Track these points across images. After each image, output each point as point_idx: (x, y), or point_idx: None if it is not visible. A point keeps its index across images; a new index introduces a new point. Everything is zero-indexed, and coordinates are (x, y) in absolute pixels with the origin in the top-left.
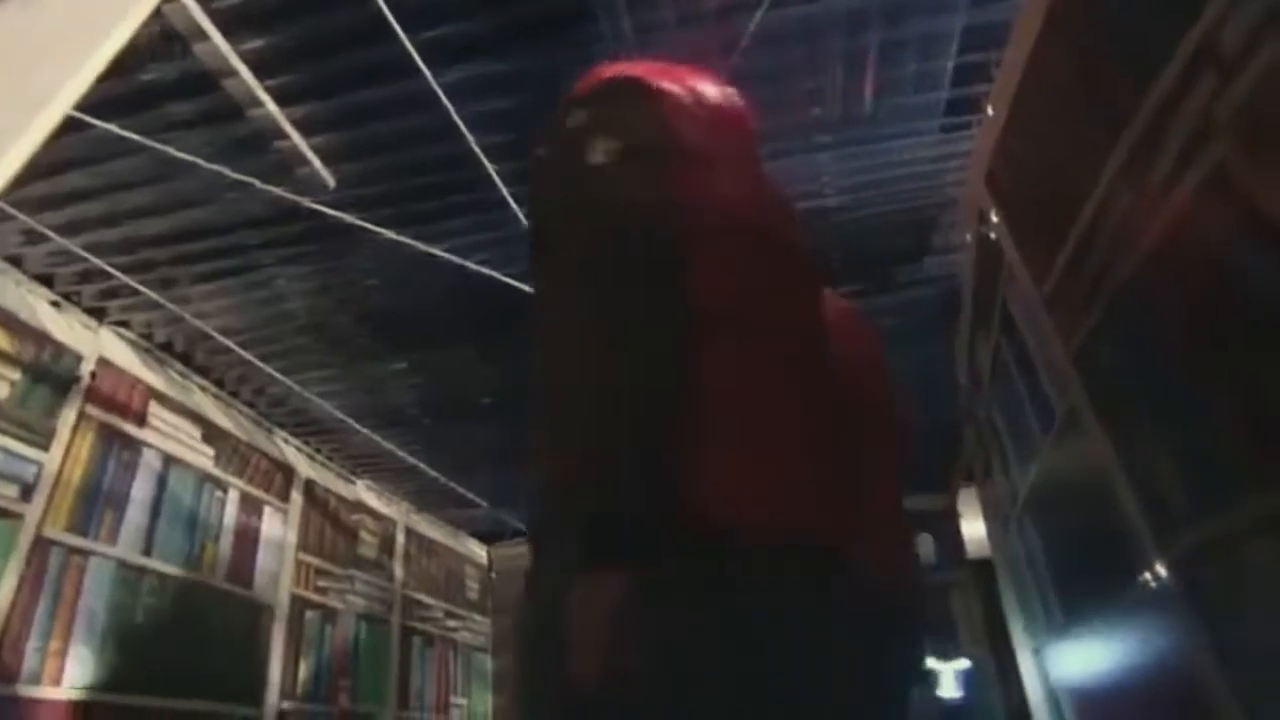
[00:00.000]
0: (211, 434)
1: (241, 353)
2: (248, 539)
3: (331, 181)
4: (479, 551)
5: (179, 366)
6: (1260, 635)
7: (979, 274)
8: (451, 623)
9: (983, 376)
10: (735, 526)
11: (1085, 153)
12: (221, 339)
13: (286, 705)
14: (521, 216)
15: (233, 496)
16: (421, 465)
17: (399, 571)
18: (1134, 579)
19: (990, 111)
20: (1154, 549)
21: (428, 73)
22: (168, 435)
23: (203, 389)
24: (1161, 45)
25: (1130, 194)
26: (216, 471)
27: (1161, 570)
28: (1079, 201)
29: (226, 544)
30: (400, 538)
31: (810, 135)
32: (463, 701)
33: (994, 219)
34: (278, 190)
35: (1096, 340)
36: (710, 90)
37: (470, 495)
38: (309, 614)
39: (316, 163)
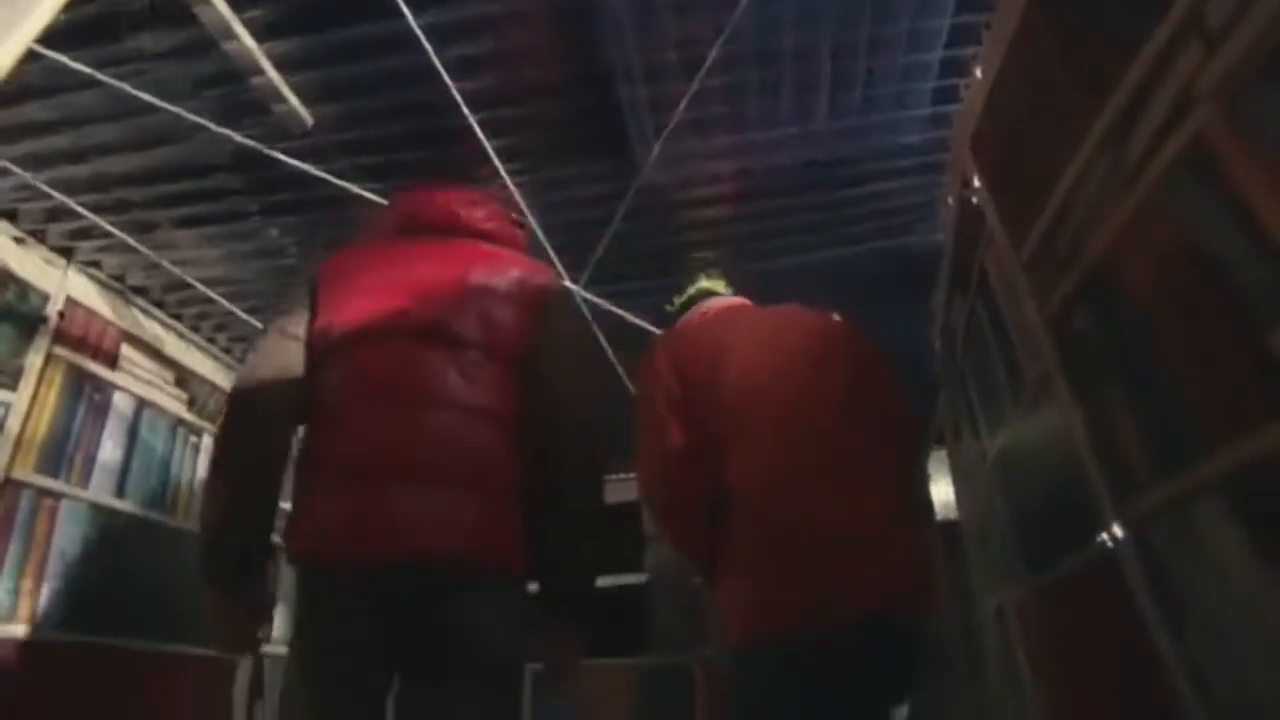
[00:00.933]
0: (185, 379)
1: (224, 303)
2: None
3: (309, 120)
4: None
5: (153, 311)
6: (1201, 592)
7: (959, 238)
8: None
9: (957, 340)
10: None
11: (1069, 119)
12: (203, 289)
13: (265, 649)
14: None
15: (207, 443)
16: None
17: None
18: (1092, 540)
19: (979, 74)
20: (1112, 511)
21: (407, 12)
22: (140, 379)
23: (178, 334)
24: (1149, 12)
25: (1110, 162)
26: (190, 417)
27: (1118, 531)
28: (1060, 168)
29: (201, 489)
30: None
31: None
32: None
33: (976, 183)
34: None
35: (1070, 307)
36: None
37: None
38: (284, 560)
39: (293, 100)
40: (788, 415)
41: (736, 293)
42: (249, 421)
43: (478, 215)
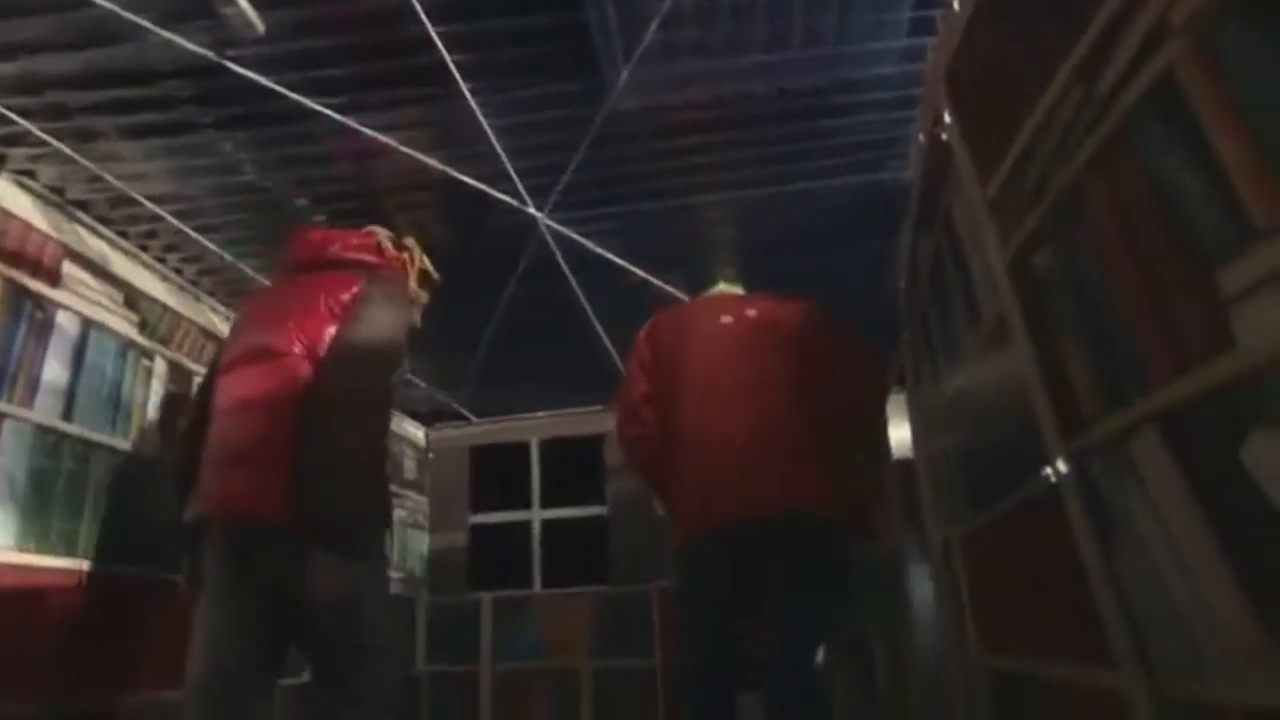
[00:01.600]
0: (135, 300)
1: (173, 221)
2: (177, 408)
3: (260, 26)
4: (417, 433)
5: (97, 227)
6: (1130, 518)
7: (927, 175)
8: None
9: (921, 280)
10: None
11: (1043, 53)
12: (150, 205)
13: None
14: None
15: (160, 366)
16: None
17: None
18: (1037, 475)
19: (956, 5)
20: (1058, 447)
21: None
22: (85, 298)
23: (125, 253)
24: None
25: (1080, 97)
26: (142, 340)
27: (1061, 465)
28: (1032, 103)
29: (154, 413)
30: None
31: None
32: (399, 575)
33: (948, 119)
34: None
35: (1032, 245)
36: None
37: (410, 377)
38: None
39: (243, 1)
40: (728, 378)
41: (750, 286)
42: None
43: (333, 249)
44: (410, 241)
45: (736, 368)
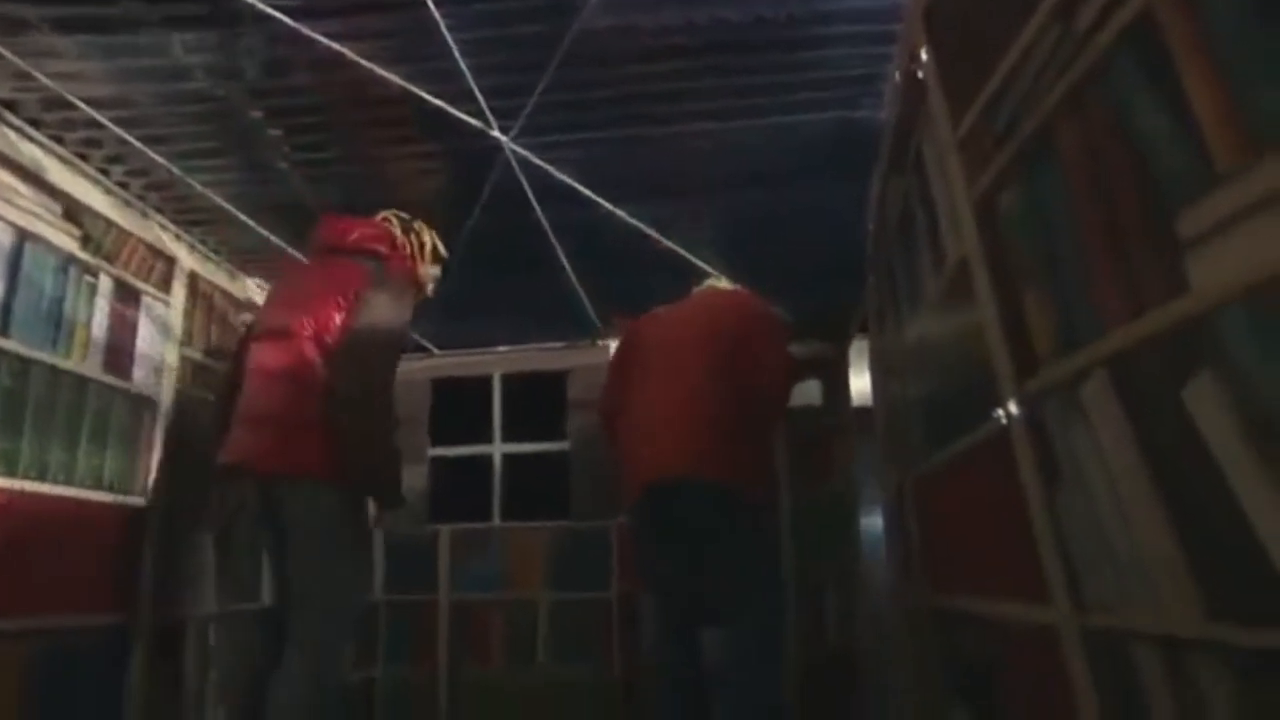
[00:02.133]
0: (75, 212)
1: (116, 130)
2: (124, 329)
3: None
4: None
5: (30, 131)
6: (1074, 459)
7: (901, 114)
8: None
9: (889, 223)
10: None
11: None
12: (89, 110)
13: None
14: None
15: (105, 283)
16: None
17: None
18: (989, 417)
19: None
20: (1010, 390)
21: None
22: (19, 208)
23: (64, 161)
24: None
25: (1057, 35)
26: (83, 255)
27: (1013, 408)
28: (1008, 43)
29: (100, 332)
30: None
31: None
32: None
33: (924, 56)
34: None
35: (999, 187)
36: None
37: None
38: (196, 412)
39: None
40: (665, 368)
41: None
42: None
43: (351, 238)
44: (419, 225)
45: (669, 355)
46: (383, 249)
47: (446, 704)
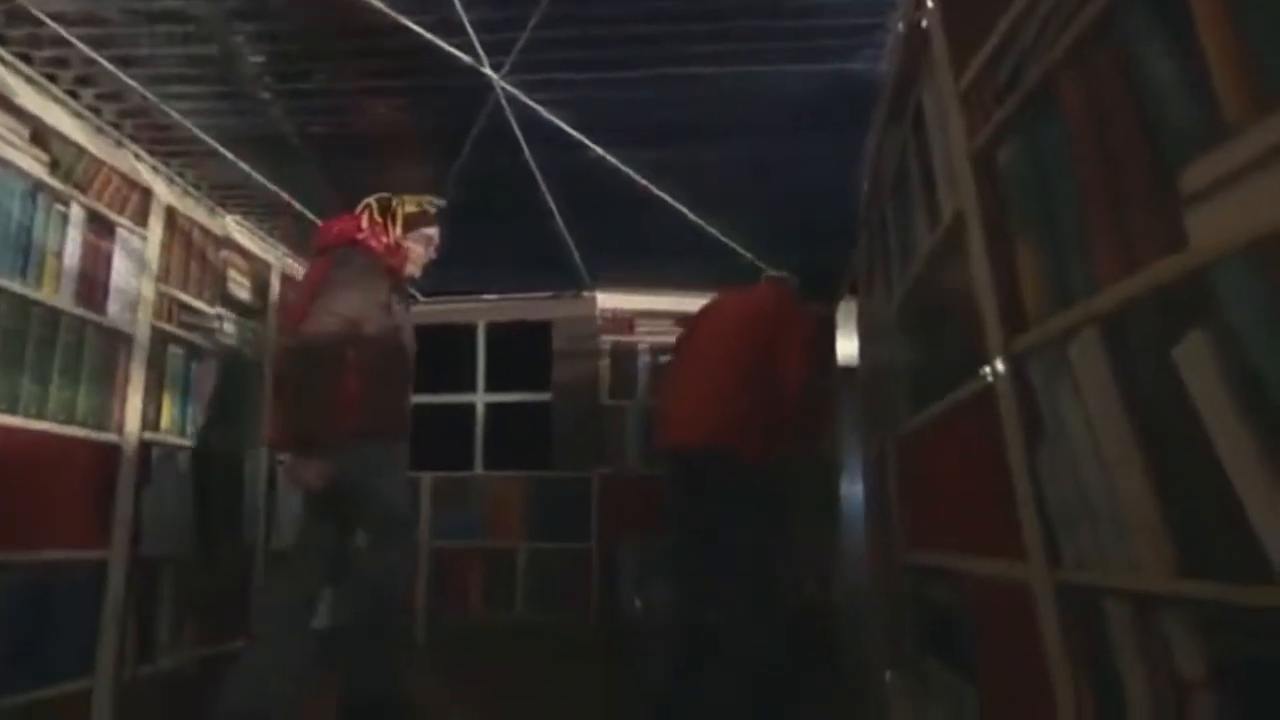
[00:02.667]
0: (44, 136)
1: (85, 49)
2: (98, 261)
3: None
4: None
5: None
6: (1058, 413)
7: (902, 66)
8: None
9: (885, 179)
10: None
11: None
12: (56, 26)
13: (149, 436)
14: None
15: (77, 212)
16: (298, 205)
17: (274, 317)
18: (975, 376)
19: None
20: (999, 347)
21: None
22: None
23: (30, 80)
24: None
25: None
26: (54, 182)
27: (999, 366)
28: None
29: (72, 263)
30: (275, 283)
31: None
32: None
33: (930, 3)
34: None
35: (999, 140)
36: None
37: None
38: (173, 349)
39: None
40: (698, 358)
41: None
42: None
43: (327, 237)
44: (399, 200)
45: (711, 341)
46: (353, 236)
47: (425, 649)
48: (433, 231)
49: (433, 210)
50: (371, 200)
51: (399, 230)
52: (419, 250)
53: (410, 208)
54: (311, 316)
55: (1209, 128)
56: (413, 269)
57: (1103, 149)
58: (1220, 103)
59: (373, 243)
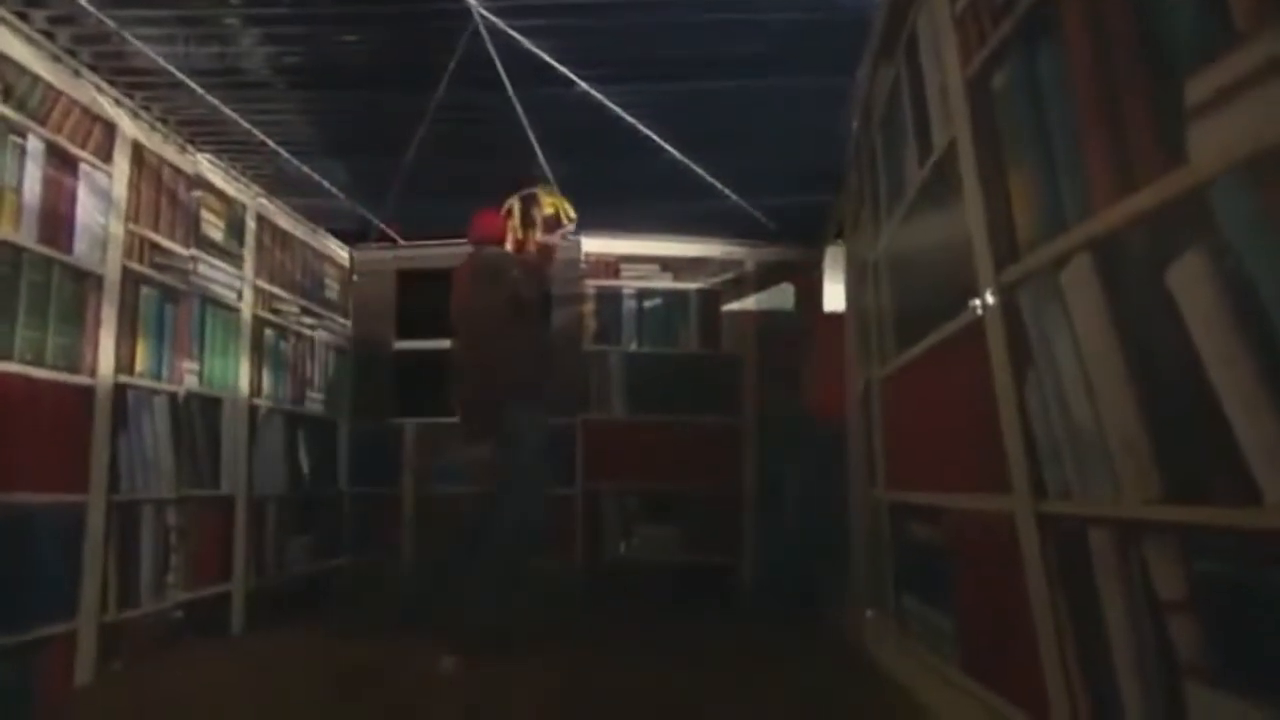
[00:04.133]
0: None
1: None
2: (61, 198)
3: None
4: (340, 252)
5: None
6: (1046, 341)
7: None
8: (309, 320)
9: (874, 113)
10: None
11: None
12: None
13: (124, 379)
14: None
15: (35, 145)
16: (271, 144)
17: (250, 260)
18: (964, 309)
19: None
20: (989, 279)
21: None
22: None
23: None
24: None
25: None
26: (8, 111)
27: (989, 297)
28: None
29: (32, 199)
30: (251, 224)
31: None
32: (319, 397)
33: None
34: None
35: (995, 64)
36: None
37: (328, 185)
38: (145, 290)
39: None
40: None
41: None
42: None
43: (481, 229)
44: (539, 195)
45: None
46: (498, 235)
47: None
48: (566, 229)
49: (567, 222)
50: (514, 200)
51: (538, 233)
52: (552, 244)
53: (548, 210)
54: (473, 312)
55: (1216, 38)
56: (545, 263)
57: (1103, 65)
58: (1230, 10)
59: (512, 242)
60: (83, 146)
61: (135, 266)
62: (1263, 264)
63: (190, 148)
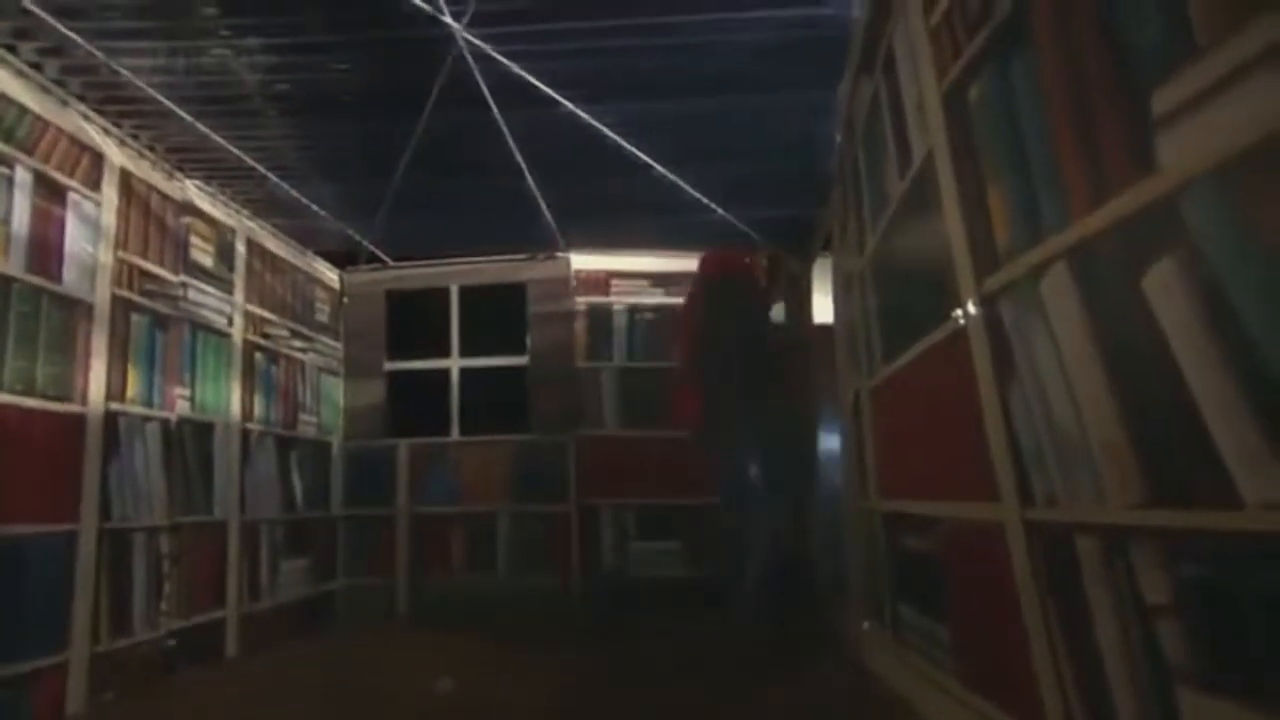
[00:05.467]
0: None
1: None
2: (50, 227)
3: None
4: (330, 274)
5: None
6: (1029, 349)
7: (874, 10)
8: (299, 343)
9: (857, 127)
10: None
11: None
12: None
13: (115, 406)
14: None
15: (23, 175)
16: (261, 168)
17: (240, 284)
18: (947, 320)
19: None
20: (970, 289)
21: None
22: None
23: None
24: None
25: None
26: None
27: (971, 307)
28: None
29: (20, 229)
30: (241, 248)
31: None
32: (311, 420)
33: None
34: None
35: (968, 78)
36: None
37: (316, 208)
38: (135, 317)
39: None
40: None
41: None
42: None
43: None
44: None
45: None
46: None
47: (406, 613)
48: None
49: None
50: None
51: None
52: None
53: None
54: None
55: (1182, 46)
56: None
57: (1074, 76)
58: (1193, 22)
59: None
60: (71, 175)
61: (125, 294)
62: (1232, 269)
63: (178, 174)
